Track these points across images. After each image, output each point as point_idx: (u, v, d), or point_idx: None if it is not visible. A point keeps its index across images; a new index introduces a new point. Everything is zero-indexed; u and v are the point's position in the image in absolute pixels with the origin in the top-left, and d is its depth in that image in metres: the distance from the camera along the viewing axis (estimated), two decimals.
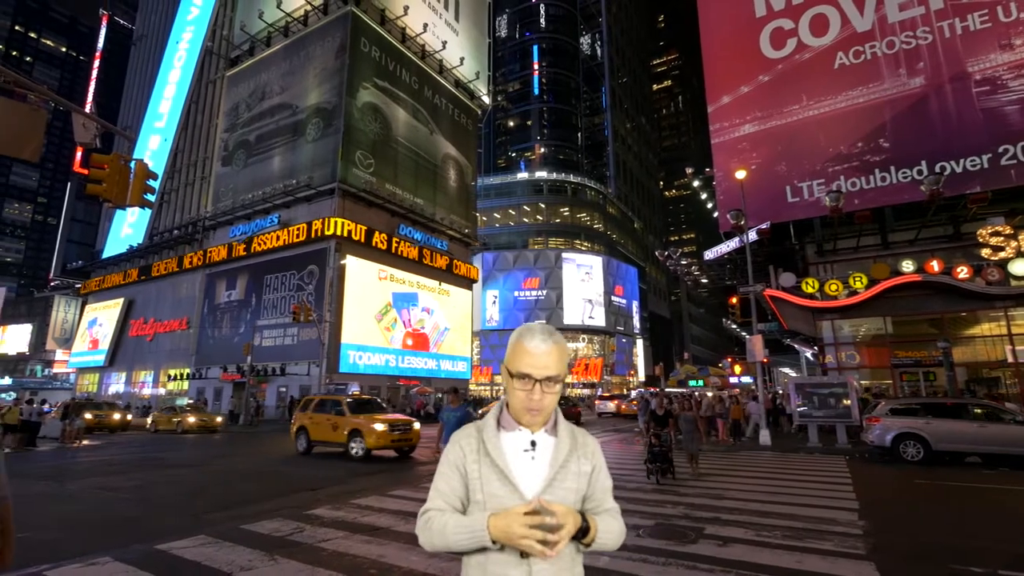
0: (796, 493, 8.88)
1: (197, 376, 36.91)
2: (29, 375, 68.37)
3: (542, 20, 69.82)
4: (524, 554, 1.35)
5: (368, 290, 33.23)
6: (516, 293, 54.99)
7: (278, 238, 34.00)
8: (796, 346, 35.28)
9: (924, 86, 21.07)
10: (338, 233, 31.39)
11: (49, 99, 8.83)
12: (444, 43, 42.52)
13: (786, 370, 60.50)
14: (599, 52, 75.02)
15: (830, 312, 21.57)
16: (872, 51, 22.24)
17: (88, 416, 22.90)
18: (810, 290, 21.30)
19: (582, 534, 1.36)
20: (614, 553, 5.50)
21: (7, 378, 68.43)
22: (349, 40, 34.42)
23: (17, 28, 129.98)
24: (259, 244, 35.03)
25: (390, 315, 34.77)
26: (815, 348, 25.01)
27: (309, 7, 37.20)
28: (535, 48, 68.94)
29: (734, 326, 45.47)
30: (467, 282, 42.92)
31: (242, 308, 35.61)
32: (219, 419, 25.45)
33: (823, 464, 12.69)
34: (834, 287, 20.93)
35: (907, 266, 19.96)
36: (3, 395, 51.43)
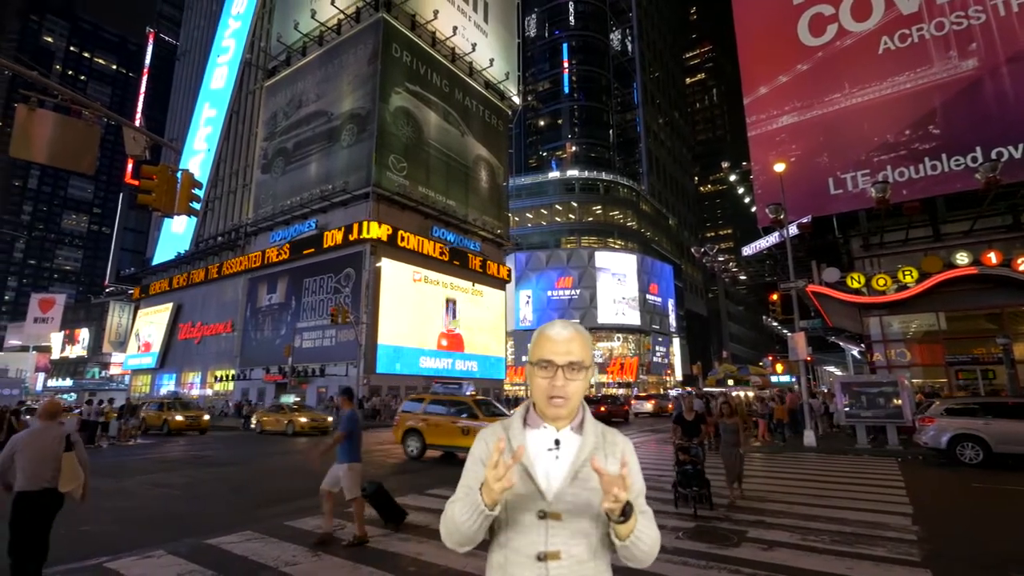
0: (844, 496, 8.54)
1: (241, 377, 38.21)
2: (88, 377, 72.15)
3: (571, 17, 69.40)
4: (541, 556, 1.33)
5: (403, 292, 33.74)
6: (549, 293, 54.83)
7: (316, 242, 34.88)
8: (841, 343, 33.99)
9: (977, 68, 19.95)
10: (373, 236, 31.99)
11: (102, 115, 9.29)
12: (474, 45, 42.78)
13: (831, 368, 58.38)
14: (630, 47, 74.04)
15: (878, 308, 20.67)
16: (919, 34, 21.20)
17: (179, 418, 22.50)
18: (856, 285, 20.46)
19: (623, 518, 1.26)
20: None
21: (68, 379, 72.48)
22: (381, 46, 35.04)
23: (72, 49, 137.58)
24: (297, 249, 36.03)
25: (424, 315, 35.19)
26: (862, 345, 24.01)
27: (342, 16, 38.03)
28: (565, 46, 68.57)
29: (775, 324, 44.20)
30: (500, 282, 43.06)
31: (283, 311, 36.69)
32: (330, 419, 22.91)
33: (873, 466, 12.17)
34: (882, 282, 20.05)
35: (962, 258, 18.93)
36: (64, 395, 54.47)
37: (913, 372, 20.82)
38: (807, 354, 17.85)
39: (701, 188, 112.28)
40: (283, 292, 37.04)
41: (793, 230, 19.93)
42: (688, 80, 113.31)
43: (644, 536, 1.32)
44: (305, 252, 35.51)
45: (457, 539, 1.36)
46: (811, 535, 6.17)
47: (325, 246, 34.22)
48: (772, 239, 23.16)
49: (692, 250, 77.99)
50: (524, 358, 53.13)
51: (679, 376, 62.95)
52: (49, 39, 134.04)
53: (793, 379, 37.44)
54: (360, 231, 32.22)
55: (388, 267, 32.64)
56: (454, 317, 37.68)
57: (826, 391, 29.22)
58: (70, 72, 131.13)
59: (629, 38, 74.35)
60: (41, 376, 72.65)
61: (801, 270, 21.65)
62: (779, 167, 19.16)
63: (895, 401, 14.98)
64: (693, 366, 52.11)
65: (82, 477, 4.39)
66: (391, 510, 6.78)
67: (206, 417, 24.05)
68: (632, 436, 19.74)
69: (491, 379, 40.58)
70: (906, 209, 19.42)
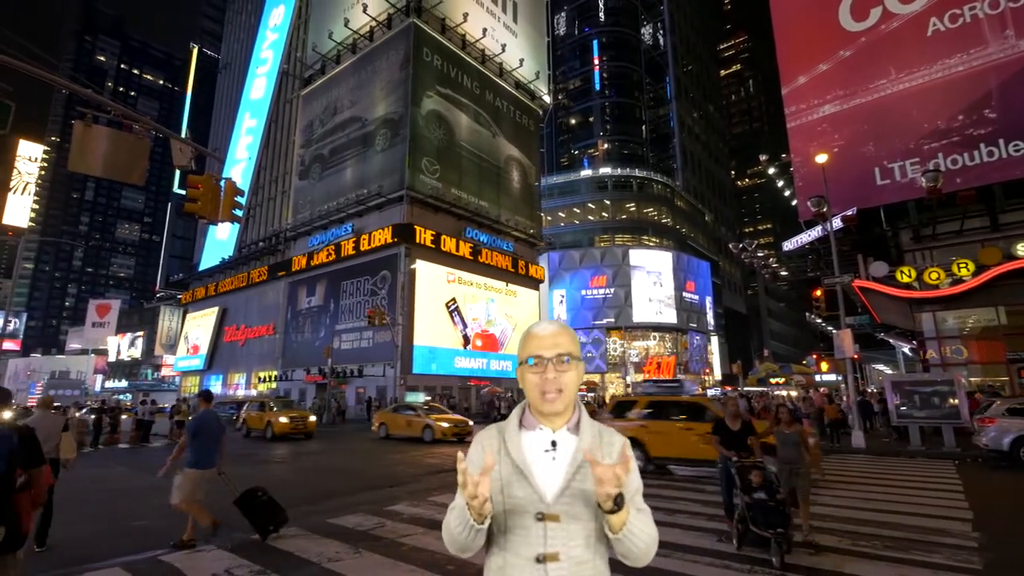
0: (898, 500, 8.17)
1: (284, 378, 39.38)
2: (141, 378, 75.76)
3: (601, 14, 68.71)
4: (540, 559, 1.32)
5: (438, 293, 34.12)
6: (583, 292, 54.41)
7: (352, 246, 35.64)
8: (891, 341, 32.57)
9: None
10: (407, 239, 32.46)
11: (151, 128, 9.73)
12: (503, 46, 42.89)
13: (881, 367, 55.95)
14: (662, 41, 72.79)
15: (931, 303, 19.70)
16: (972, 13, 20.11)
17: (283, 420, 19.71)
18: (906, 279, 19.56)
19: (616, 507, 1.23)
20: (693, 559, 5.30)
21: (124, 381, 76.29)
22: (412, 51, 35.52)
23: (123, 66, 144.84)
24: (335, 252, 36.89)
25: (458, 316, 35.48)
26: (914, 343, 22.95)
27: (374, 23, 38.74)
28: (595, 43, 67.93)
29: (819, 321, 42.66)
30: (533, 282, 43.03)
31: (322, 313, 37.63)
32: (471, 423, 20.15)
33: (927, 469, 11.60)
34: (935, 275, 19.10)
35: (1023, 250, 17.88)
36: (120, 396, 57.30)
37: (970, 370, 19.77)
38: (854, 352, 17.16)
39: (738, 182, 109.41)
40: (322, 295, 37.99)
41: (837, 223, 19.19)
42: (723, 72, 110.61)
43: (638, 531, 1.29)
44: (342, 255, 36.33)
45: (456, 547, 1.36)
46: (861, 540, 5.93)
47: (361, 249, 34.91)
48: (815, 233, 22.38)
49: (730, 246, 75.90)
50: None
51: (718, 375, 61.50)
52: (102, 58, 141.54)
53: (839, 378, 36.06)
54: (394, 234, 32.75)
55: (423, 269, 33.06)
56: (488, 317, 37.88)
57: (873, 391, 28.05)
58: (121, 88, 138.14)
59: (661, 32, 73.10)
60: (99, 378, 76.68)
61: (846, 265, 20.83)
62: (821, 158, 18.49)
63: (951, 401, 14.24)
64: (733, 365, 50.77)
65: (76, 451, 6.60)
66: (259, 517, 6.26)
67: (312, 419, 21.20)
68: None
69: None
70: (960, 198, 18.46)
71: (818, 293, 22.77)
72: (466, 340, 35.63)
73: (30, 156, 55.74)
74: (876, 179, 20.94)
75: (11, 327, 75.83)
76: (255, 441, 19.71)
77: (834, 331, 18.18)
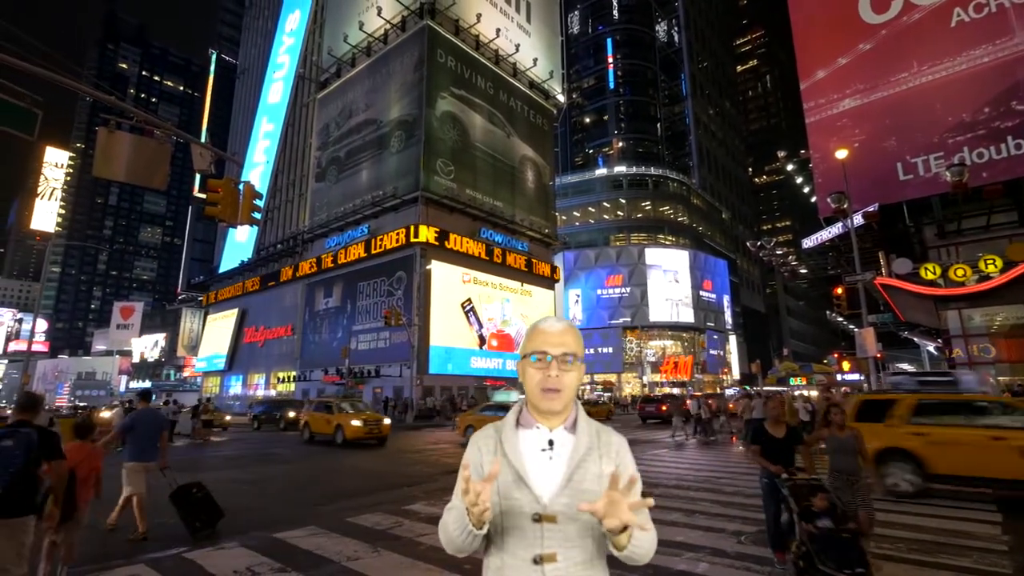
0: (922, 502, 7.99)
1: (302, 378, 39.86)
2: (164, 378, 77.29)
3: (615, 12, 68.40)
4: (537, 560, 1.31)
5: (453, 293, 34.24)
6: (599, 291, 54.21)
7: (368, 247, 35.94)
8: (915, 339, 31.87)
9: None
10: (422, 239, 32.63)
11: (172, 133, 9.93)
12: (517, 46, 42.90)
13: (904, 366, 54.80)
14: (676, 38, 72.20)
15: (957, 300, 19.21)
16: (998, 3, 19.57)
17: (356, 423, 17.19)
18: (931, 276, 19.11)
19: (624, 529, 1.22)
20: (713, 560, 5.25)
21: (147, 381, 77.88)
22: (426, 53, 35.71)
23: (144, 73, 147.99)
24: (351, 254, 37.24)
25: (474, 317, 35.57)
26: (939, 341, 22.42)
27: (388, 26, 39.02)
28: (608, 41, 67.64)
29: (840, 319, 41.91)
30: (549, 282, 42.98)
31: (339, 314, 38.02)
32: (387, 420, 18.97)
33: None
34: (960, 272, 18.63)
35: None
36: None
37: (999, 369, 19.25)
38: (877, 351, 16.82)
39: (756, 179, 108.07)
40: (339, 296, 38.37)
41: (858, 220, 18.84)
42: (739, 68, 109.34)
43: (641, 540, 1.27)
44: (358, 257, 36.65)
45: (452, 548, 1.36)
46: (884, 542, 5.80)
47: (377, 251, 35.20)
48: (835, 230, 22.00)
49: (748, 244, 75.00)
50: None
51: (736, 375, 60.78)
52: (124, 65, 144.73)
53: (862, 377, 35.41)
54: (409, 235, 32.94)
55: (438, 269, 33.21)
56: (504, 317, 37.91)
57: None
58: (142, 95, 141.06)
59: (675, 28, 72.51)
60: (124, 378, 78.47)
61: (868, 262, 20.44)
62: (841, 154, 18.15)
63: None
64: (751, 364, 50.10)
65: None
66: (190, 514, 6.24)
67: (386, 422, 18.35)
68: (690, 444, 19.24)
69: None
70: (987, 193, 17.99)
71: (839, 291, 22.36)
72: (482, 340, 35.72)
73: (56, 162, 57.27)
74: (899, 174, 20.50)
75: (39, 329, 77.85)
76: (322, 448, 17.28)
77: (856, 329, 17.83)
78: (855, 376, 41.93)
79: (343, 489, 9.71)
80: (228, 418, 26.47)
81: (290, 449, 17.22)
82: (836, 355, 49.70)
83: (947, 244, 20.42)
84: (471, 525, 1.26)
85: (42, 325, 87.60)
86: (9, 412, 12.08)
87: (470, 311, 35.05)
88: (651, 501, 1.23)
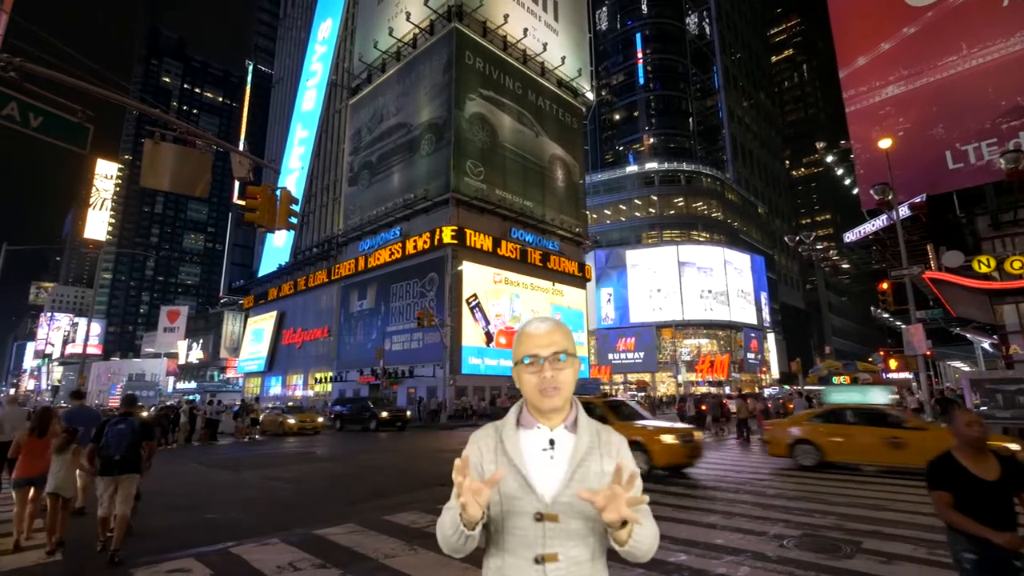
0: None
1: (338, 379, 40.71)
2: (208, 380, 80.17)
3: (644, 6, 67.45)
4: (538, 559, 1.31)
5: (484, 294, 34.37)
6: (630, 290, 53.51)
7: (400, 249, 36.44)
8: (968, 336, 30.35)
9: None
10: (453, 241, 32.89)
11: (212, 143, 10.29)
12: (545, 45, 42.78)
13: (957, 364, 52.22)
14: (708, 30, 70.70)
15: (1014, 294, 18.19)
16: None
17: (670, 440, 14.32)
18: (984, 269, 18.15)
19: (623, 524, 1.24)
20: (754, 564, 5.11)
21: (192, 382, 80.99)
22: (454, 55, 35.98)
23: (185, 86, 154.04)
24: (383, 256, 37.83)
25: (480, 313, 35.25)
26: (994, 337, 21.28)
27: (417, 30, 39.48)
28: (638, 36, 66.76)
29: (885, 315, 40.27)
30: (580, 281, 42.70)
31: (373, 316, 38.68)
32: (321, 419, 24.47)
33: None
34: (1018, 264, 17.62)
35: None
36: (189, 396, 60.80)
37: None
38: (926, 348, 16.09)
39: (793, 172, 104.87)
40: (372, 298, 39.04)
41: (904, 211, 18.06)
42: (774, 58, 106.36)
43: (642, 537, 1.29)
44: (391, 259, 37.21)
45: (448, 548, 1.36)
46: (940, 548, 5.53)
47: (409, 253, 35.65)
48: (879, 222, 21.13)
49: (786, 239, 72.82)
50: (610, 356, 52.51)
51: (776, 374, 59.12)
52: (167, 79, 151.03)
53: (911, 376, 33.91)
54: (440, 237, 33.25)
55: (469, 270, 33.40)
56: (513, 314, 37.77)
57: (949, 388, 26.26)
58: (184, 107, 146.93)
59: (707, 20, 71.02)
60: (171, 379, 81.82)
61: (915, 255, 19.55)
62: (885, 143, 17.44)
63: None
64: (791, 363, 48.58)
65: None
66: None
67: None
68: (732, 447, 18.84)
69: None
70: None
71: (884, 286, 21.49)
72: (489, 337, 34.90)
73: (106, 174, 60.09)
74: (948, 163, 19.55)
75: (93, 333, 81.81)
76: (359, 446, 18.05)
77: (903, 326, 17.10)
78: (902, 375, 40.22)
79: (380, 487, 9.87)
80: (320, 420, 25.12)
81: (328, 448, 17.63)
82: (882, 353, 47.78)
83: (1002, 235, 19.36)
84: (462, 526, 1.27)
85: (96, 329, 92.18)
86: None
87: (475, 307, 34.44)
88: (647, 498, 1.25)
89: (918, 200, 18.80)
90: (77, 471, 6.39)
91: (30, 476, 6.06)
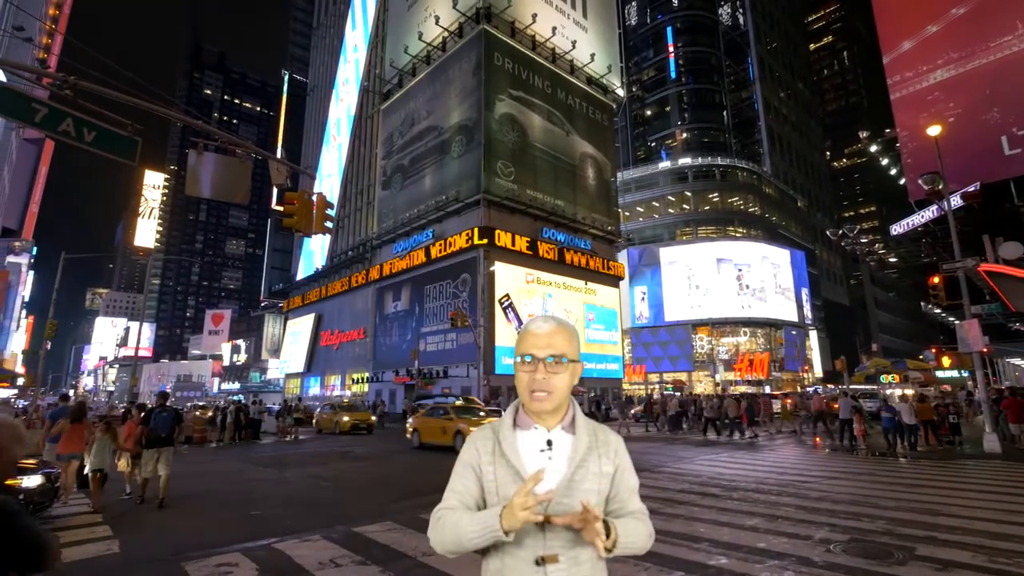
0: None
1: (375, 380, 41.46)
2: (250, 381, 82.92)
3: None
4: (539, 561, 1.31)
5: (517, 294, 34.41)
6: (665, 288, 52.64)
7: (433, 251, 36.84)
8: None
9: None
10: (484, 242, 33.05)
11: (252, 151, 10.63)
12: (574, 43, 42.53)
13: (1017, 361, 49.35)
14: (741, 20, 68.88)
15: None
16: None
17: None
18: None
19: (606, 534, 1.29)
20: (799, 569, 4.95)
21: (236, 383, 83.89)
22: (483, 57, 36.15)
23: (226, 98, 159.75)
24: (417, 258, 38.33)
25: (512, 313, 35.10)
26: None
27: (446, 34, 39.84)
28: (668, 29, 65.58)
29: (937, 311, 38.40)
30: (613, 280, 42.28)
31: (407, 317, 39.24)
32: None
33: None
34: None
35: None
36: (234, 397, 62.97)
37: None
38: (983, 344, 15.27)
39: (835, 163, 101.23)
40: (407, 299, 39.60)
41: (956, 201, 17.20)
42: (812, 46, 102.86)
43: (631, 542, 1.33)
44: (424, 261, 37.67)
45: (451, 548, 1.35)
46: (1000, 557, 5.25)
47: (441, 254, 36.00)
48: (928, 213, 20.20)
49: (827, 233, 70.39)
50: (644, 355, 51.84)
51: (819, 372, 57.16)
52: (208, 91, 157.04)
53: (966, 374, 32.22)
54: (473, 237, 33.47)
55: (501, 270, 33.51)
56: (546, 313, 37.49)
57: (1007, 387, 24.89)
58: (224, 117, 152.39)
59: (740, 10, 69.21)
60: (216, 380, 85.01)
61: (969, 247, 18.59)
62: (934, 130, 16.63)
63: None
64: (835, 361, 46.86)
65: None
66: None
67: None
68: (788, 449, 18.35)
69: (608, 378, 39.95)
70: None
71: (935, 280, 20.50)
72: None
73: (154, 184, 62.94)
74: (1004, 148, 18.55)
75: (144, 336, 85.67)
76: (396, 448, 18.59)
77: (957, 322, 16.27)
78: (956, 373, 38.34)
79: (417, 486, 10.00)
80: (373, 418, 24.47)
81: (367, 447, 17.97)
82: (934, 350, 45.58)
83: None
84: (500, 530, 1.27)
85: (146, 332, 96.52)
86: (123, 407, 17.20)
87: (508, 307, 34.39)
88: (600, 528, 1.26)
89: (971, 189, 17.89)
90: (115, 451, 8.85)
91: (72, 453, 8.35)
